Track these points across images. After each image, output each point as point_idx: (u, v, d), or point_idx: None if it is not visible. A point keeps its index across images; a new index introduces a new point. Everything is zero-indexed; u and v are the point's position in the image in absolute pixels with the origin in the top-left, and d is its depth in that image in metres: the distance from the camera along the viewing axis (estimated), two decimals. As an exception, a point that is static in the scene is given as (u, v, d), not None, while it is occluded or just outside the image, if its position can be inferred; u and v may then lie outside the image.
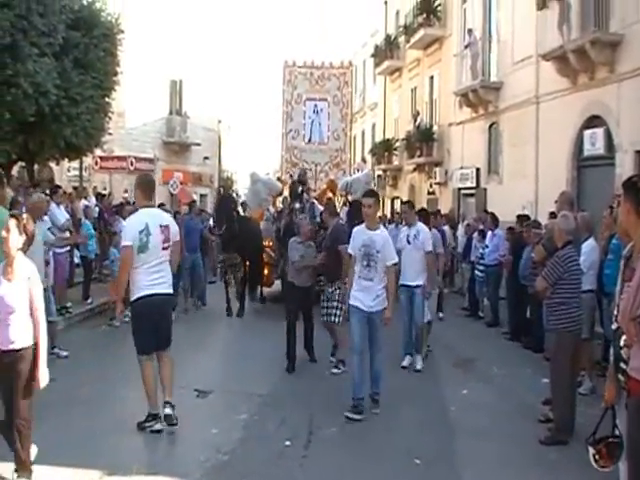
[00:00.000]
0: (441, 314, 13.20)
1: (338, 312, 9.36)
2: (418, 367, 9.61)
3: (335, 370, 9.28)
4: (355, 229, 7.93)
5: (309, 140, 17.88)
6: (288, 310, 9.76)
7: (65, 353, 9.42)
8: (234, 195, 14.50)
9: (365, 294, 7.57)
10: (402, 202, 10.74)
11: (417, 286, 9.59)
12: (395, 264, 7.91)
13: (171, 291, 6.93)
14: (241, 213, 15.53)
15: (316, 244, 10.54)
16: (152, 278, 6.59)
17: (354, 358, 7.60)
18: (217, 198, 14.28)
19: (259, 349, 10.47)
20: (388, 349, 8.35)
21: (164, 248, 6.68)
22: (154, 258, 6.60)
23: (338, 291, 9.37)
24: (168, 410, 6.66)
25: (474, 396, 8.46)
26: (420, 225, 9.80)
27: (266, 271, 14.78)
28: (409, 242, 9.65)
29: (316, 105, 17.77)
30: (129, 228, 6.73)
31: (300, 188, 14.51)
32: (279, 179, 17.52)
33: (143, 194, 6.88)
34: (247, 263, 14.05)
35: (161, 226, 6.68)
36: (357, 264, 7.68)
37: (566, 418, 6.79)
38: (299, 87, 17.81)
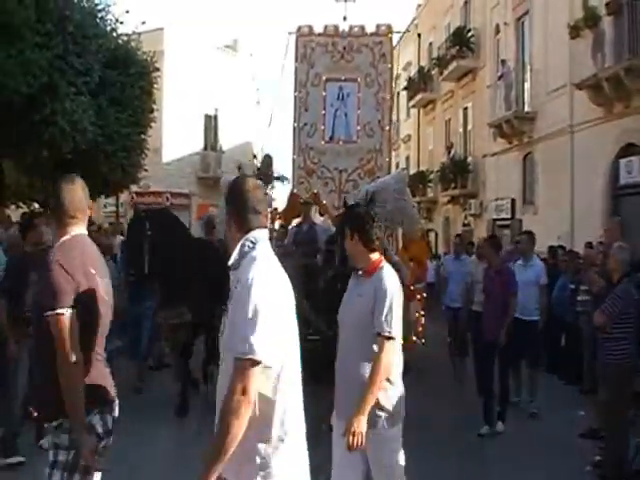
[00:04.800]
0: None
1: None
2: None
3: None
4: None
5: (330, 138, 12.11)
6: None
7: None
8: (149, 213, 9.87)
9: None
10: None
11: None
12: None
13: None
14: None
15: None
16: None
17: None
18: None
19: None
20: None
21: None
22: None
23: None
24: None
25: (511, 430, 8.27)
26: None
27: None
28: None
29: (341, 88, 12.18)
30: None
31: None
32: (292, 194, 12.38)
33: None
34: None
35: None
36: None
37: (622, 454, 6.56)
38: (317, 64, 12.20)
